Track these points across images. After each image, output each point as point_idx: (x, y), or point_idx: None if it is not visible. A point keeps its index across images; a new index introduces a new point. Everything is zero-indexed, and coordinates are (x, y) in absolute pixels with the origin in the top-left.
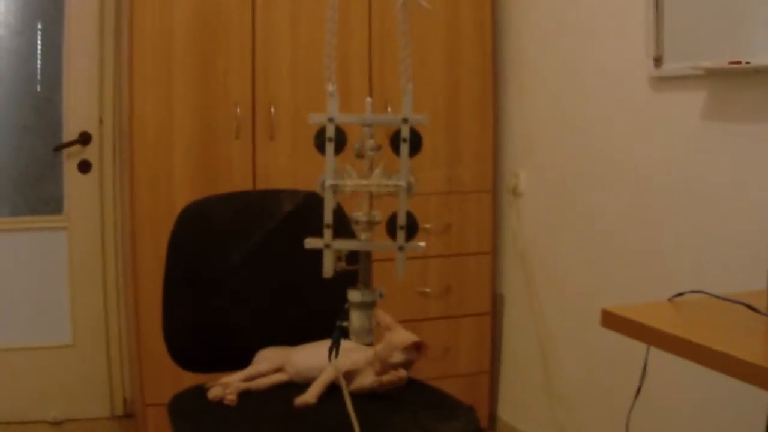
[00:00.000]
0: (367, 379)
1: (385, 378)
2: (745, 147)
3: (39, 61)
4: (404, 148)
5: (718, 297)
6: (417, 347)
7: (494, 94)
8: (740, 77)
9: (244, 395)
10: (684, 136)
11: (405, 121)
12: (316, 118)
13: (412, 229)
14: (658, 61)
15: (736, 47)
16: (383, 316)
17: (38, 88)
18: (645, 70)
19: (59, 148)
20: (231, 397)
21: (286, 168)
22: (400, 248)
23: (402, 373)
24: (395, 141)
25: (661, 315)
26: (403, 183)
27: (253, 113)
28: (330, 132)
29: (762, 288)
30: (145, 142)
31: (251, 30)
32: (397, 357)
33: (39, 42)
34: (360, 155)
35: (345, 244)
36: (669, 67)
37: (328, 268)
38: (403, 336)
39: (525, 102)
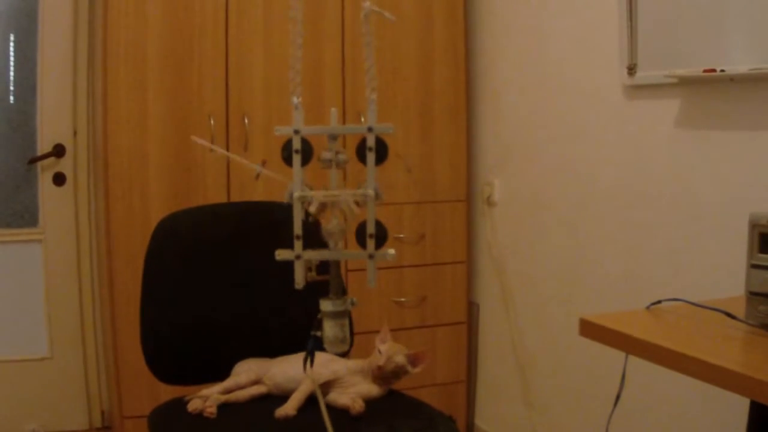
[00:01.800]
0: (347, 390)
1: (358, 404)
2: (720, 154)
3: (12, 74)
4: (370, 156)
5: (695, 304)
6: (418, 357)
7: (468, 103)
8: (714, 85)
9: (224, 408)
10: (658, 144)
11: (370, 129)
12: (283, 131)
13: (381, 237)
14: (631, 69)
15: (710, 55)
16: (387, 330)
17: (12, 100)
18: (619, 79)
19: (34, 160)
20: (210, 410)
21: (261, 178)
22: (371, 257)
23: (359, 404)
24: (361, 150)
25: (639, 323)
26: (371, 192)
27: (227, 124)
28: (296, 144)
29: (739, 294)
30: (119, 154)
31: (224, 42)
32: (401, 359)
33: (12, 54)
34: (327, 166)
35: (315, 255)
36: (643, 76)
37: (300, 278)
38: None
39: (498, 111)
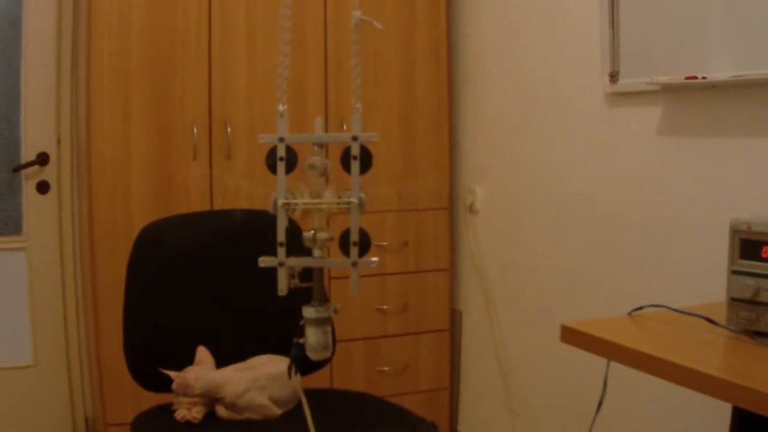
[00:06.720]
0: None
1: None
2: (701, 161)
3: None
4: (355, 165)
5: (677, 310)
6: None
7: (450, 111)
8: (696, 92)
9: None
10: (640, 151)
11: (355, 138)
12: (267, 139)
13: (364, 245)
14: (613, 76)
15: (691, 62)
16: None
17: None
18: (601, 86)
19: (18, 169)
20: (196, 414)
21: (243, 187)
22: (354, 264)
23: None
24: (345, 159)
25: (620, 329)
26: (354, 200)
27: (210, 133)
28: (281, 152)
29: (720, 300)
30: (103, 163)
31: (207, 50)
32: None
33: None
34: (311, 174)
35: (298, 262)
36: (625, 83)
37: (283, 285)
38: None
39: (480, 118)
